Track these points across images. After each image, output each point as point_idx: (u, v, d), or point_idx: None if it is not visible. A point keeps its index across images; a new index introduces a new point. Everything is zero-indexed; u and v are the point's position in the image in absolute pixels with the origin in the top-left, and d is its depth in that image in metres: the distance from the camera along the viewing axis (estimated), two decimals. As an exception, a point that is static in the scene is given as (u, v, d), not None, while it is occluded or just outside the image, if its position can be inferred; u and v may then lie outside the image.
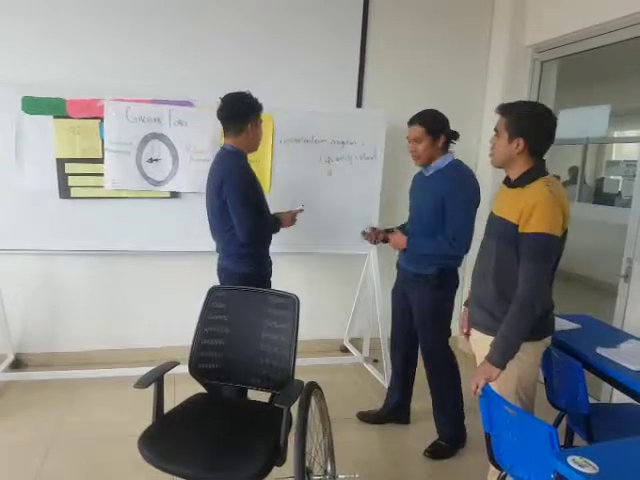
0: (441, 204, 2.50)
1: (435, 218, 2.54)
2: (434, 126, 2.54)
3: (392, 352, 3.00)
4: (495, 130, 1.99)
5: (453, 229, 2.49)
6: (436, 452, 2.74)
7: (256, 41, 3.55)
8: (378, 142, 3.59)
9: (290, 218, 2.82)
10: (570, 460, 1.38)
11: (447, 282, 2.64)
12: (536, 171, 1.92)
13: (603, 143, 4.26)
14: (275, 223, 2.74)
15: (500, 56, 3.88)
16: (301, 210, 2.91)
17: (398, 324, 2.90)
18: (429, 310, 2.66)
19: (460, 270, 2.68)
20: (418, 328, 2.74)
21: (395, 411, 3.00)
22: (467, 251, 2.57)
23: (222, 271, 2.69)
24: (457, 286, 2.68)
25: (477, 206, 2.56)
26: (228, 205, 2.48)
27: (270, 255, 2.77)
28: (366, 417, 3.05)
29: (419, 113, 2.59)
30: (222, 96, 2.63)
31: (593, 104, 3.95)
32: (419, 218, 2.68)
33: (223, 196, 2.49)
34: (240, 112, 2.55)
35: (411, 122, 2.59)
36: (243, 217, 2.47)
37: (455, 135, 2.62)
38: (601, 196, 4.76)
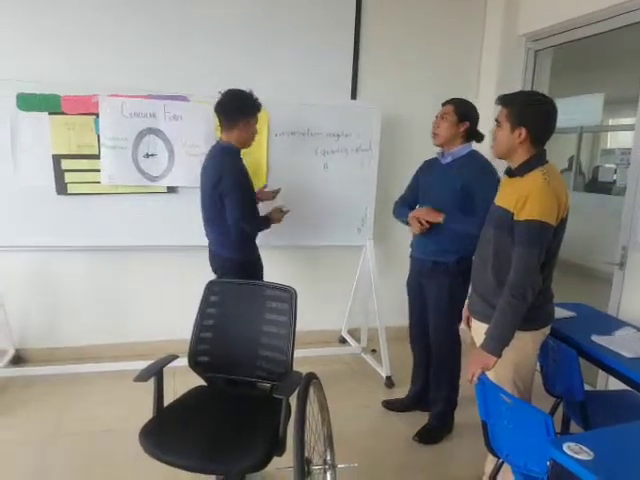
0: (461, 190, 2.53)
1: (453, 206, 2.56)
2: (462, 108, 2.63)
3: (412, 343, 3.01)
4: (496, 121, 2.00)
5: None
6: (424, 436, 2.79)
7: (250, 34, 3.53)
8: (373, 134, 3.60)
9: (278, 213, 2.91)
10: (565, 447, 1.40)
11: (465, 271, 2.63)
12: (535, 160, 1.94)
13: (596, 132, 4.27)
14: (265, 221, 2.86)
15: (494, 45, 3.87)
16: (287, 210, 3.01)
17: (416, 315, 2.91)
18: (446, 298, 2.67)
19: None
20: (431, 314, 2.76)
21: (419, 398, 3.02)
22: None
23: (217, 258, 2.83)
24: None
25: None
26: (225, 201, 2.61)
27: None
28: (391, 405, 3.10)
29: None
30: (222, 90, 2.70)
31: (587, 92, 3.95)
32: (436, 205, 2.64)
33: (220, 191, 2.61)
34: (232, 109, 2.65)
35: (445, 102, 2.68)
36: (239, 219, 2.63)
37: (479, 136, 2.67)
38: (596, 184, 4.77)
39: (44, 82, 3.08)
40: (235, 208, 2.61)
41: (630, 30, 3.05)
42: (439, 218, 2.57)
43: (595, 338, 2.22)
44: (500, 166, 2.10)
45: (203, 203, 2.78)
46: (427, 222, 2.62)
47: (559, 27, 3.45)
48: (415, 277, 2.86)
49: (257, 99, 2.70)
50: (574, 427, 2.24)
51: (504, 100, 1.99)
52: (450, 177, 2.60)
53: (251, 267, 2.78)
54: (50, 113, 3.11)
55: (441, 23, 3.89)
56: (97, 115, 3.15)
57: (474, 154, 2.65)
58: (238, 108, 2.65)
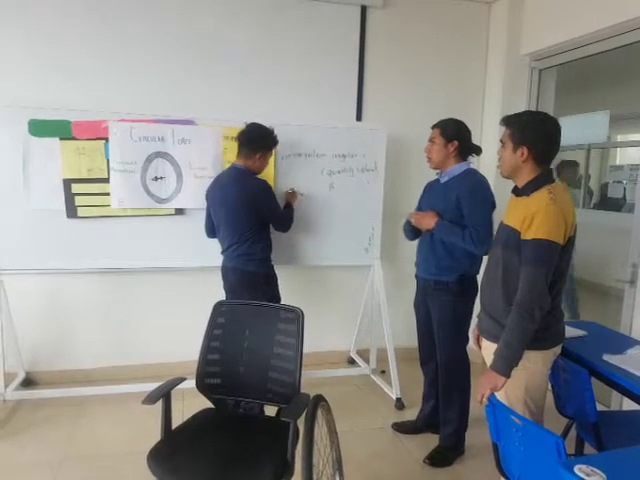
0: (457, 207, 2.54)
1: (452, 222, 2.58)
2: (448, 129, 2.63)
3: (422, 364, 2.99)
4: (501, 141, 2.05)
5: (473, 228, 2.50)
6: (435, 459, 2.75)
7: (256, 58, 3.59)
8: (378, 154, 3.62)
9: (292, 196, 3.38)
10: (576, 469, 1.36)
11: (467, 289, 2.66)
12: (541, 179, 1.95)
13: (603, 148, 4.26)
14: (291, 209, 3.30)
15: (498, 65, 3.90)
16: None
17: (424, 336, 2.89)
18: (449, 317, 2.67)
19: (479, 278, 2.67)
20: (437, 334, 2.75)
21: (430, 420, 2.98)
22: (487, 252, 2.40)
23: (242, 273, 2.94)
24: (476, 293, 2.67)
25: (494, 208, 2.58)
26: (266, 213, 2.95)
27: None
28: (402, 427, 3.06)
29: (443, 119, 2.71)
30: (248, 122, 2.96)
31: (593, 110, 3.95)
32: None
33: (256, 207, 2.87)
34: (254, 140, 2.91)
35: (433, 125, 2.69)
36: (283, 218, 3.14)
37: (476, 150, 2.70)
38: (606, 201, 4.73)
39: (55, 108, 3.13)
40: (279, 216, 3.09)
41: (634, 48, 3.06)
42: (431, 223, 2.60)
43: (607, 357, 2.18)
44: (508, 186, 2.11)
45: (225, 220, 2.92)
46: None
47: (562, 46, 3.47)
48: (421, 297, 2.85)
49: (276, 135, 2.97)
50: (589, 449, 2.20)
51: (506, 120, 2.02)
52: (447, 196, 2.62)
53: (274, 280, 3.08)
54: (61, 138, 3.16)
55: (445, 44, 3.94)
56: (107, 140, 3.20)
57: (470, 172, 2.64)
58: (259, 141, 2.91)
